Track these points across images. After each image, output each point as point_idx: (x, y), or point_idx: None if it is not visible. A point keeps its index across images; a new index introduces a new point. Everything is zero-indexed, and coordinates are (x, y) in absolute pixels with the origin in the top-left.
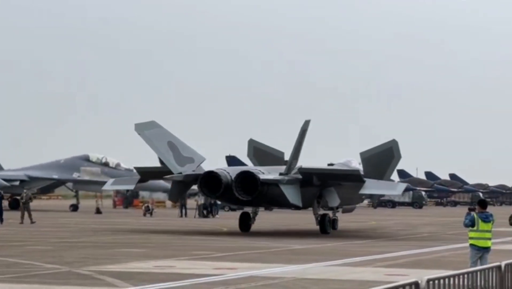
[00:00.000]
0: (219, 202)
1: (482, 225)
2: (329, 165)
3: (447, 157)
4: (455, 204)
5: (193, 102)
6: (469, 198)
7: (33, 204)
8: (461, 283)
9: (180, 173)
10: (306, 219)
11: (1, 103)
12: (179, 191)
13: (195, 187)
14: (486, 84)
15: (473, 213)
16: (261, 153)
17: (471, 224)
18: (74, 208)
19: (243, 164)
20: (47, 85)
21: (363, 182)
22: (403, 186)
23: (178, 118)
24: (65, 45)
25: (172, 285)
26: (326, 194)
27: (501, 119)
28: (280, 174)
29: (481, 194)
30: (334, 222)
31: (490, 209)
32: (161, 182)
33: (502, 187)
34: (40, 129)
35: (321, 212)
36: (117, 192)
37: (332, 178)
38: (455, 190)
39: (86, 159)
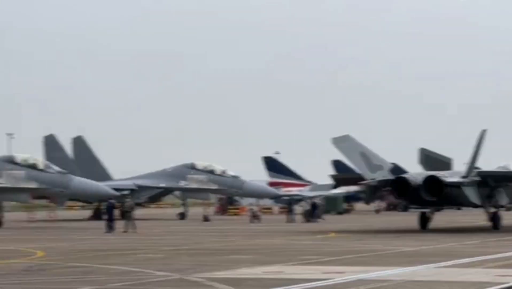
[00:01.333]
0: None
1: None
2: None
3: None
4: None
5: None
6: None
7: (143, 212)
8: None
9: (373, 179)
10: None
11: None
12: (373, 194)
13: None
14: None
15: None
16: (430, 159)
17: None
18: (182, 216)
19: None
20: None
21: None
22: None
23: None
24: None
25: None
26: (497, 194)
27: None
28: (462, 177)
29: None
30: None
31: None
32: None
33: None
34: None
35: (492, 210)
36: (220, 199)
37: (507, 180)
38: None
39: (192, 167)
